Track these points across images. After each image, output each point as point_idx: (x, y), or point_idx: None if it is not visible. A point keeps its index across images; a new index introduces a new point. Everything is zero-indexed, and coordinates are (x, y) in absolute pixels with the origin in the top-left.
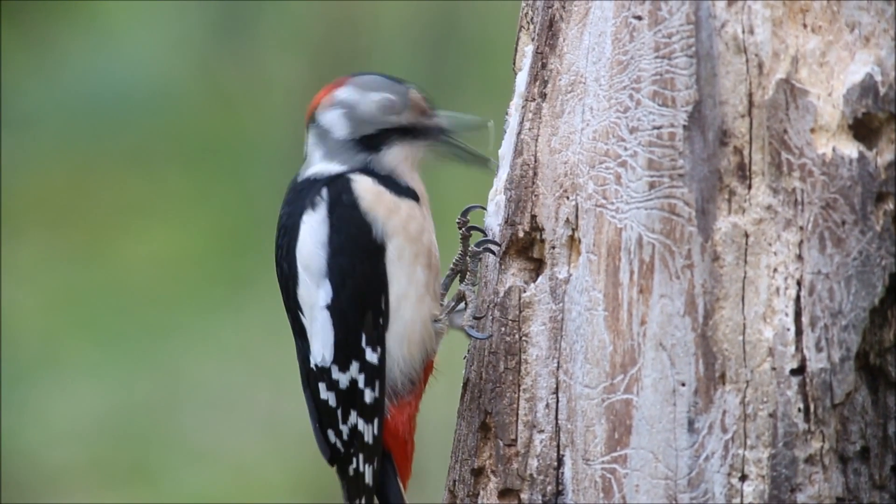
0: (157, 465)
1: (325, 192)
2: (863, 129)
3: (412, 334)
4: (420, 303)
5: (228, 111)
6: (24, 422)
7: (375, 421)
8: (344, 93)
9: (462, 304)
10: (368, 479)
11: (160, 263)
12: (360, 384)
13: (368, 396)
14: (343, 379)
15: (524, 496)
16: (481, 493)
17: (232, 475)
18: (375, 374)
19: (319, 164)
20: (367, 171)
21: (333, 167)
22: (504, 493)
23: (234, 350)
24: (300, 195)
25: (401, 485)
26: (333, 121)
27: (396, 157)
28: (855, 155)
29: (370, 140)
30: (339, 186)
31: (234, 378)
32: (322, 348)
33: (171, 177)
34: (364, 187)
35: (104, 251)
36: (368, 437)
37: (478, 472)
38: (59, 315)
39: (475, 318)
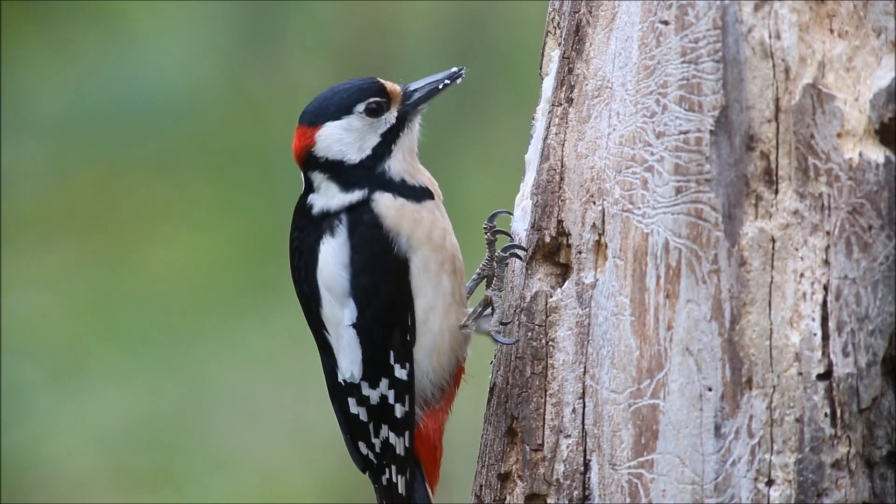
0: (182, 471)
1: (343, 217)
2: (889, 133)
3: (441, 345)
4: (447, 312)
5: (255, 117)
6: (51, 428)
7: (406, 434)
8: (334, 120)
9: (489, 310)
10: (402, 489)
11: (186, 270)
12: (391, 399)
13: (399, 411)
14: (373, 395)
15: (551, 501)
16: (508, 497)
17: (258, 481)
18: (405, 389)
19: (339, 196)
20: (383, 184)
21: (354, 195)
22: (531, 497)
23: (260, 357)
24: (317, 226)
25: (429, 490)
26: (340, 149)
27: (404, 150)
28: (881, 160)
29: (379, 148)
30: (359, 211)
31: (260, 384)
32: (350, 365)
33: (197, 183)
34: (386, 205)
35: (130, 258)
36: (400, 450)
37: (504, 477)
38: (86, 322)
39: (502, 323)
